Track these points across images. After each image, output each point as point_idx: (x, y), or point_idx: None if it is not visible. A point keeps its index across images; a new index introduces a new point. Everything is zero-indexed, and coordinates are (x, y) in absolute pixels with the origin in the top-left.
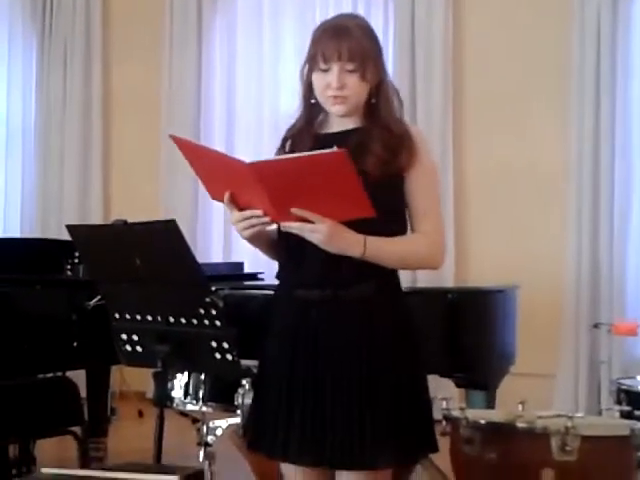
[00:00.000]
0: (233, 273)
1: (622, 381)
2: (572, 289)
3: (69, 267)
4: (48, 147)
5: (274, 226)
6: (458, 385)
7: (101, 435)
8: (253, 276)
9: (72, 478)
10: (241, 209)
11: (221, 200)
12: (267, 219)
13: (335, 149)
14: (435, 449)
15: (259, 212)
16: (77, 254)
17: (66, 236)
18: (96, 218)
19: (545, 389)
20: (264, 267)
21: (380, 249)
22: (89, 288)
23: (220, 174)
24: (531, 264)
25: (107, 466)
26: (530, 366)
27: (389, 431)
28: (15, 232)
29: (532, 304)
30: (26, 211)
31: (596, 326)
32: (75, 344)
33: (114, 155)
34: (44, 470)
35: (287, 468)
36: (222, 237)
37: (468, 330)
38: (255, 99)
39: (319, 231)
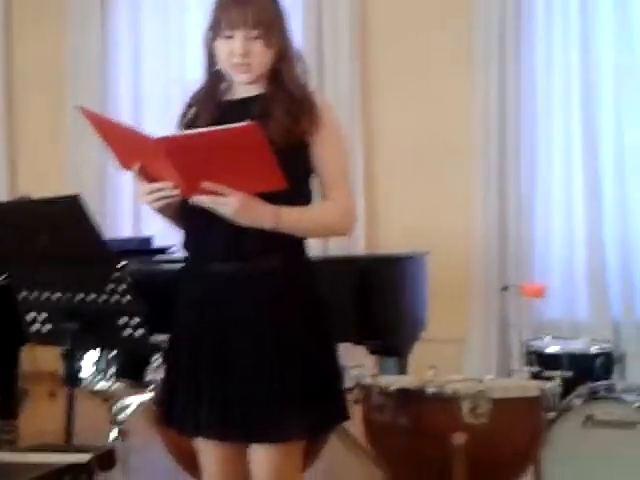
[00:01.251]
0: (142, 248)
1: (531, 343)
2: (480, 254)
3: None
4: None
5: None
6: (371, 352)
7: (11, 417)
8: (162, 250)
9: None
10: (151, 180)
11: (129, 170)
12: (177, 192)
13: (247, 122)
14: (347, 417)
15: (169, 185)
16: None
17: None
18: (1, 195)
19: (456, 354)
20: (174, 241)
21: (292, 219)
22: None
23: (130, 147)
24: (440, 230)
25: (18, 448)
26: (441, 331)
27: (300, 402)
28: None
29: (442, 270)
30: None
31: (505, 289)
32: None
33: (19, 130)
34: None
35: (200, 443)
36: (131, 211)
37: (379, 297)
38: (162, 69)
39: (230, 204)
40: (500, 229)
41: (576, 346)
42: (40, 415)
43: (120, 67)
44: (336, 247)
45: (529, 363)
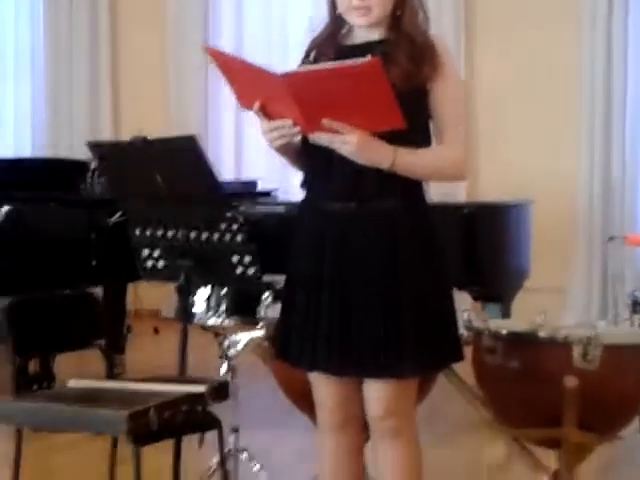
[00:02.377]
0: (248, 191)
1: (638, 293)
2: (584, 204)
3: (84, 186)
4: (57, 71)
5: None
6: (475, 298)
7: (119, 352)
8: (267, 193)
9: (101, 390)
10: (271, 119)
11: (251, 109)
12: (297, 130)
13: (370, 57)
14: (460, 358)
15: (289, 122)
16: (91, 173)
17: (78, 157)
18: (106, 135)
19: (557, 304)
20: (277, 184)
21: (408, 160)
22: (109, 206)
23: (252, 84)
24: (543, 180)
25: (135, 378)
26: (543, 281)
27: (415, 340)
28: (26, 154)
29: (545, 220)
30: (37, 133)
31: (611, 239)
32: (94, 262)
33: (122, 75)
34: (72, 382)
35: (315, 377)
36: (233, 154)
37: (484, 244)
38: (263, 10)
39: (349, 142)
40: (604, 180)
41: None
42: (144, 351)
43: (222, 7)
44: (438, 194)
45: (634, 313)
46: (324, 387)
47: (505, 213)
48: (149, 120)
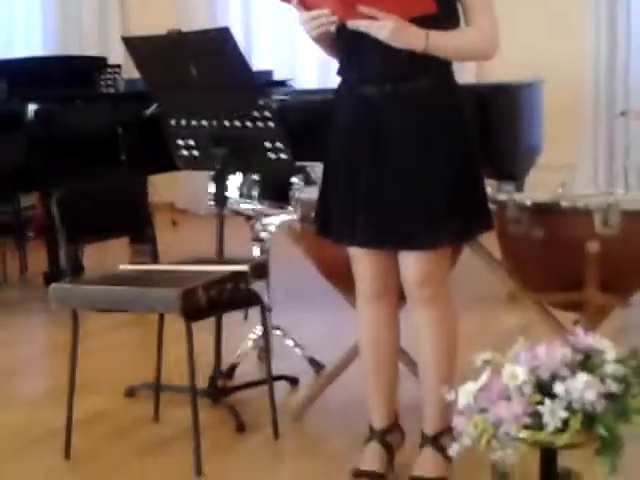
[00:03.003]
0: (266, 80)
1: None
2: (590, 82)
3: (105, 82)
4: None
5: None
6: (489, 177)
7: (144, 242)
8: (283, 83)
9: (150, 272)
10: (308, 9)
11: (289, 1)
12: (334, 18)
13: None
14: (491, 226)
15: (327, 11)
16: (110, 70)
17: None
18: (115, 35)
19: (567, 179)
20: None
21: (441, 42)
22: (137, 100)
23: None
24: (550, 59)
25: (180, 261)
26: (552, 158)
27: (447, 212)
28: (37, 51)
29: (553, 98)
30: (48, 31)
31: (622, 114)
32: (122, 157)
33: None
34: (122, 267)
35: (354, 251)
36: (242, 47)
37: (498, 123)
38: None
39: (385, 27)
40: (609, 61)
41: None
42: (165, 241)
43: None
44: None
45: None
46: (363, 260)
47: (519, 92)
48: (157, 19)
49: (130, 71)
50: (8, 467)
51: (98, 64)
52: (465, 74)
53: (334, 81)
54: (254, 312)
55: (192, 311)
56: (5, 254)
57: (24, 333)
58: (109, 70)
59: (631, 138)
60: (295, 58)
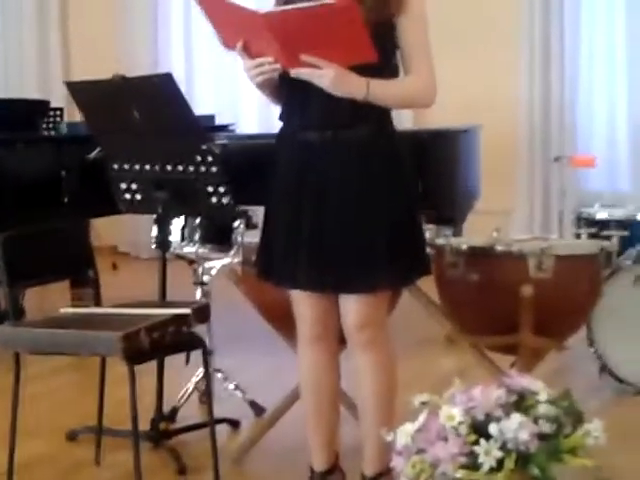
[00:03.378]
0: (207, 125)
1: (583, 209)
2: (525, 127)
3: (47, 126)
4: (5, 21)
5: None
6: (428, 221)
7: (85, 286)
8: (225, 127)
9: (92, 315)
10: (253, 58)
11: (233, 49)
12: (277, 66)
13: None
14: (428, 272)
15: (270, 59)
16: (52, 113)
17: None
18: (57, 78)
19: (504, 224)
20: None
21: (381, 90)
22: (79, 143)
23: (234, 24)
24: (485, 104)
25: (122, 304)
26: (489, 203)
27: (387, 256)
28: None
29: (488, 143)
30: None
31: (557, 159)
32: (65, 200)
33: (72, 18)
34: (63, 310)
35: (296, 294)
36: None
37: (436, 168)
38: None
39: (327, 75)
40: (544, 104)
41: (623, 213)
42: (105, 286)
43: None
44: None
45: (579, 227)
46: (304, 302)
47: (456, 138)
48: (99, 64)
49: (72, 114)
50: None
51: (41, 107)
52: (402, 120)
53: (275, 125)
54: (195, 355)
55: (134, 354)
56: None
57: None
58: (51, 113)
59: (566, 183)
60: (237, 102)
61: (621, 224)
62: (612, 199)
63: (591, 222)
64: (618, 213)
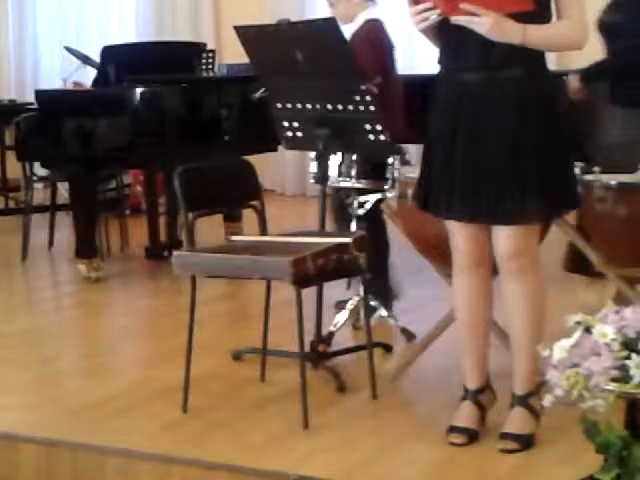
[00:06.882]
0: None
1: None
2: None
3: (205, 67)
4: None
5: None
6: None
7: (237, 220)
8: None
9: (261, 242)
10: (417, 3)
11: None
12: (439, 11)
13: None
14: (579, 205)
15: (431, 4)
16: (205, 55)
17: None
18: (207, 21)
19: None
20: None
21: (536, 35)
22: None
23: None
24: None
25: (286, 233)
26: None
27: (537, 190)
28: (131, 36)
29: None
30: (140, 17)
31: None
32: (226, 138)
33: None
34: (235, 238)
35: (451, 225)
36: None
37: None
38: None
39: (485, 22)
40: None
41: None
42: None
43: None
44: None
45: None
46: (459, 233)
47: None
48: (247, 10)
49: (223, 57)
50: (131, 417)
51: (197, 50)
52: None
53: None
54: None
55: (302, 279)
56: (108, 229)
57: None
58: (203, 55)
59: None
60: None
61: None
62: None
63: None
64: None
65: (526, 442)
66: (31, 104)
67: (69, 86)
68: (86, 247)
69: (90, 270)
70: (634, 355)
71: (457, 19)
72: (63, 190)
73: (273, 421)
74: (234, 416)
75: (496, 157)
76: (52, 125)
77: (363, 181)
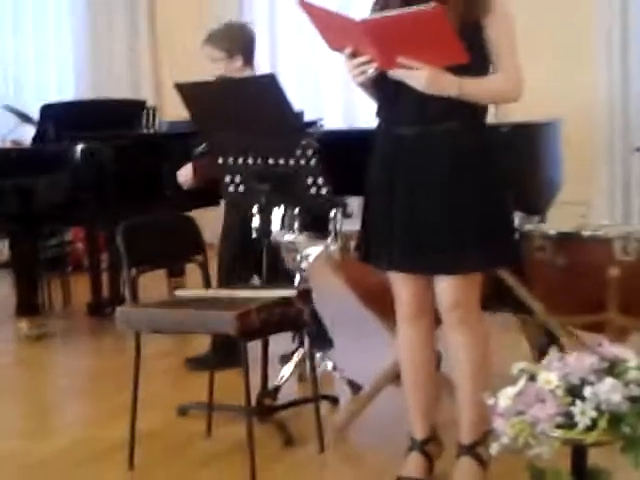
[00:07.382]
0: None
1: None
2: (605, 118)
3: (145, 124)
4: (95, 22)
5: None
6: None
7: (180, 275)
8: (313, 123)
9: (205, 297)
10: (354, 56)
11: (338, 50)
12: (376, 65)
13: (432, 4)
14: (518, 260)
15: (368, 58)
16: (146, 112)
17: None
18: (146, 78)
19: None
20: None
21: (472, 88)
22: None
23: (335, 29)
24: (564, 97)
25: (230, 287)
26: (569, 194)
27: (478, 240)
28: (70, 95)
29: (568, 136)
30: (79, 76)
31: (638, 150)
32: (167, 193)
33: (159, 23)
34: (179, 292)
35: (393, 276)
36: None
37: (522, 161)
38: None
39: (422, 76)
40: (624, 95)
41: None
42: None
43: None
44: None
45: None
46: (401, 284)
47: (540, 131)
48: (184, 65)
49: (164, 113)
50: (73, 478)
51: (138, 107)
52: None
53: (359, 122)
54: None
55: (247, 332)
56: (50, 286)
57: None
58: (144, 113)
59: None
60: (320, 99)
61: None
62: None
63: None
64: None
65: None
66: None
67: (8, 145)
68: (27, 305)
69: (31, 328)
70: (578, 401)
71: (394, 73)
72: (3, 248)
73: (221, 477)
74: (181, 473)
75: (433, 213)
76: None
77: (306, 234)
